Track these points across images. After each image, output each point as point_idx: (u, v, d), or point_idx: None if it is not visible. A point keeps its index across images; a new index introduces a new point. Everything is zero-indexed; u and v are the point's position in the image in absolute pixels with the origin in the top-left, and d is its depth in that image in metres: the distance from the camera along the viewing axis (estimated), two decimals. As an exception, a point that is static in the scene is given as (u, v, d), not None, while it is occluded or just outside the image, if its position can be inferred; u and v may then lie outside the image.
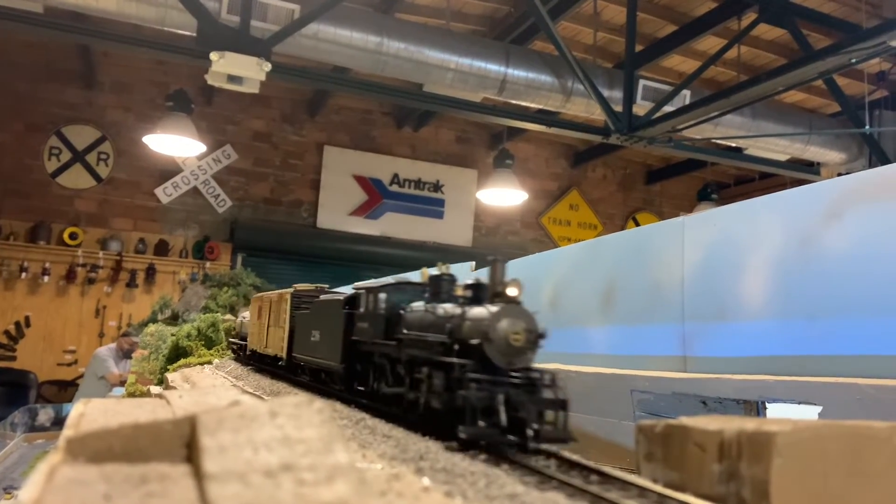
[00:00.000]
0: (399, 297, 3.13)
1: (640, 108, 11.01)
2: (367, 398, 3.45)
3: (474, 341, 2.30)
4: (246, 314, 6.81)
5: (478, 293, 2.54)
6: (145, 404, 3.71)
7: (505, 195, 15.70)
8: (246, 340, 7.21)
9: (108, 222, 15.78)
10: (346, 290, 6.55)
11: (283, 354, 4.74)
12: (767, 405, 3.10)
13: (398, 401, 2.89)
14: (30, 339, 14.94)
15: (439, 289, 2.82)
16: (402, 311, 3.01)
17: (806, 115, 14.36)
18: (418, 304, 2.94)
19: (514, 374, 2.29)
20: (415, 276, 4.12)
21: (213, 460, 1.55)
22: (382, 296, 3.14)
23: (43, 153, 15.40)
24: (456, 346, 2.40)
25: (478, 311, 2.39)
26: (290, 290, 4.87)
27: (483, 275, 5.53)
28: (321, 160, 17.41)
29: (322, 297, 4.48)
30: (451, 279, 2.84)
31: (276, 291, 5.31)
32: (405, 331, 2.85)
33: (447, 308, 2.61)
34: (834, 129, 13.67)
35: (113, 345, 12.77)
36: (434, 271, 3.06)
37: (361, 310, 3.38)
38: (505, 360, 2.29)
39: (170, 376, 5.98)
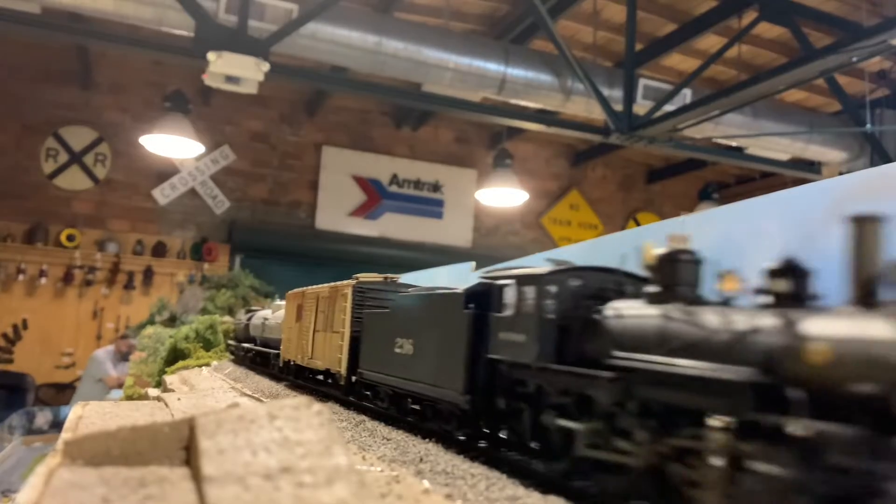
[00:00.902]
0: (583, 292, 1.96)
1: (641, 107, 10.98)
2: (517, 451, 2.34)
3: (864, 388, 1.16)
4: (266, 313, 6.06)
5: (799, 285, 1.42)
6: (143, 407, 3.69)
7: (504, 195, 15.68)
8: (252, 343, 6.71)
9: (105, 224, 15.74)
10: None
11: (342, 370, 3.69)
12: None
13: (621, 475, 1.71)
14: (27, 341, 14.90)
15: (675, 278, 1.69)
16: (597, 317, 1.91)
17: (807, 114, 14.35)
18: (633, 306, 1.84)
19: None
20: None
21: (211, 463, 1.53)
22: (552, 288, 2.01)
23: (40, 154, 15.37)
24: (795, 395, 1.25)
25: (856, 327, 1.23)
26: (351, 281, 3.83)
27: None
28: (319, 160, 17.39)
29: (412, 290, 3.37)
30: (695, 260, 1.76)
31: (327, 285, 4.24)
32: (617, 351, 1.73)
33: (733, 315, 1.49)
34: (835, 128, 13.66)
35: (111, 347, 12.74)
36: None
37: (508, 312, 2.25)
38: None
39: (168, 379, 5.96)
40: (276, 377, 5.31)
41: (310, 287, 4.65)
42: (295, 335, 4.72)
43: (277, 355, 5.20)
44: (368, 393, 3.48)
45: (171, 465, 1.75)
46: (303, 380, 4.65)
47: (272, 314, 5.87)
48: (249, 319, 6.57)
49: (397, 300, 3.27)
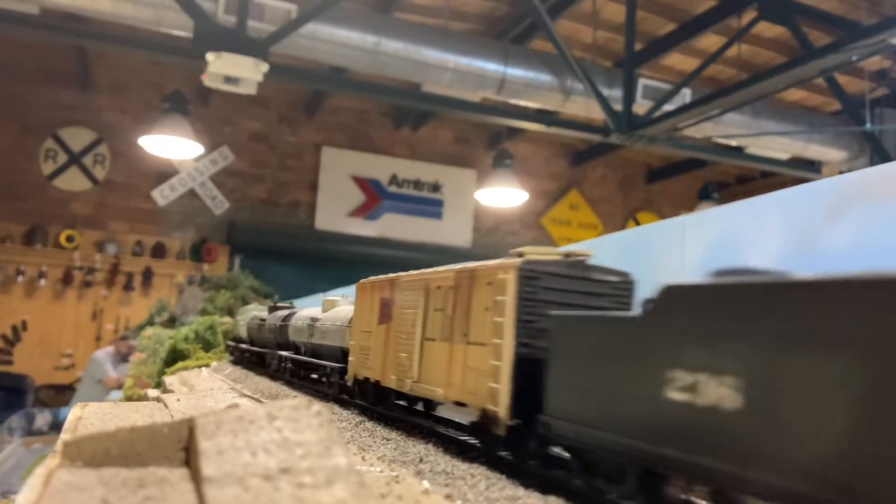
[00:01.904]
0: None
1: (640, 106, 10.99)
2: None
3: None
4: (312, 311, 4.80)
5: None
6: (143, 408, 3.67)
7: (504, 195, 15.68)
8: (250, 344, 6.11)
9: (104, 225, 15.74)
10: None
11: (500, 410, 2.20)
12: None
13: None
14: (27, 342, 14.89)
15: None
16: None
17: (806, 113, 14.36)
18: None
19: None
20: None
21: (211, 464, 1.52)
22: None
23: (39, 155, 15.37)
24: None
25: None
26: (512, 260, 2.31)
27: None
28: (319, 161, 17.39)
29: (716, 275, 1.60)
30: None
31: (450, 267, 2.76)
32: None
33: None
34: (835, 128, 13.67)
35: (110, 348, 12.74)
36: None
37: None
38: None
39: (167, 379, 5.94)
40: (339, 400, 3.98)
41: (408, 272, 3.19)
42: (378, 343, 3.33)
43: (339, 370, 3.94)
44: (567, 458, 2.12)
45: (170, 465, 1.74)
46: (384, 406, 3.44)
47: (323, 314, 4.52)
48: (286, 320, 5.20)
49: (670, 295, 1.66)
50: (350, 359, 3.73)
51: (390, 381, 3.17)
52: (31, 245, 14.90)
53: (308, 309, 5.13)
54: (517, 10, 12.01)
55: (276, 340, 5.35)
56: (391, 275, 3.37)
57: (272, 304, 6.33)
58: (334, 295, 4.78)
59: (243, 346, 6.41)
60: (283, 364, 5.05)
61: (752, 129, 12.41)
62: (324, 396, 4.20)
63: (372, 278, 3.60)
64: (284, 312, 5.51)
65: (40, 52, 14.84)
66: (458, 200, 18.46)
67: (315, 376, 4.66)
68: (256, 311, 6.84)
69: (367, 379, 3.50)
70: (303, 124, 17.29)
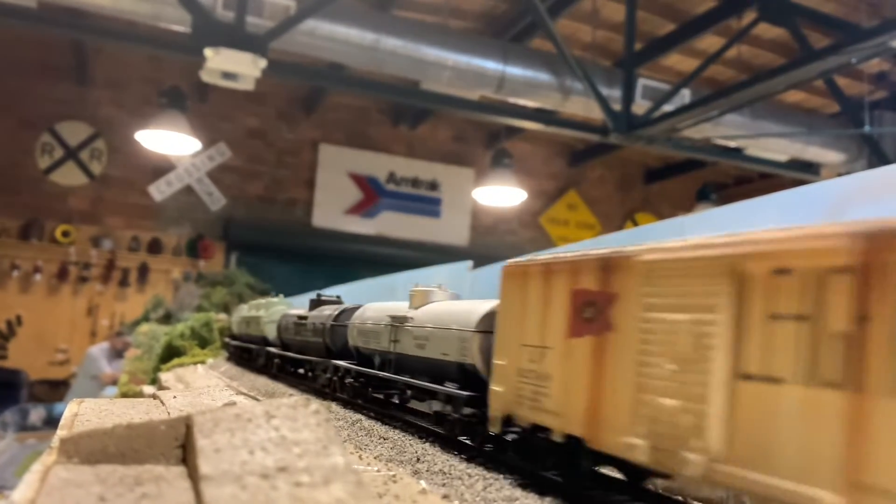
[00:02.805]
0: None
1: (640, 107, 10.98)
2: None
3: None
4: (395, 307, 3.58)
5: None
6: (139, 405, 3.65)
7: (502, 194, 15.67)
8: (282, 348, 5.23)
9: (100, 220, 15.69)
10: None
11: None
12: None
13: None
14: (21, 337, 14.85)
15: None
16: None
17: (806, 115, 14.38)
18: None
19: None
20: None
21: (208, 462, 1.51)
22: None
23: (35, 150, 15.31)
24: None
25: None
26: None
27: (482, 276, 5.25)
28: (316, 158, 17.36)
29: None
30: None
31: (823, 230, 1.46)
32: None
33: None
34: (834, 130, 13.69)
35: (105, 344, 12.72)
36: None
37: None
38: None
39: (163, 376, 5.92)
40: (459, 447, 2.84)
41: (659, 242, 1.89)
42: (573, 371, 2.10)
43: (464, 401, 2.74)
44: None
45: (167, 463, 1.74)
46: (570, 480, 2.23)
47: (413, 310, 3.38)
48: (341, 318, 4.11)
49: None
50: (493, 388, 2.46)
51: (618, 446, 1.83)
52: (26, 240, 14.85)
53: (379, 303, 3.84)
54: (517, 8, 11.99)
55: (327, 345, 4.19)
56: (603, 250, 2.04)
57: (314, 298, 5.09)
58: (425, 284, 3.59)
59: (272, 350, 5.29)
60: (337, 377, 3.82)
61: (751, 130, 12.42)
62: (425, 435, 2.98)
63: (545, 256, 2.29)
64: (334, 309, 4.30)
65: (37, 46, 14.77)
66: (456, 199, 18.46)
67: (380, 396, 3.53)
68: (282, 304, 5.85)
69: (539, 428, 2.22)
70: (301, 121, 17.26)
